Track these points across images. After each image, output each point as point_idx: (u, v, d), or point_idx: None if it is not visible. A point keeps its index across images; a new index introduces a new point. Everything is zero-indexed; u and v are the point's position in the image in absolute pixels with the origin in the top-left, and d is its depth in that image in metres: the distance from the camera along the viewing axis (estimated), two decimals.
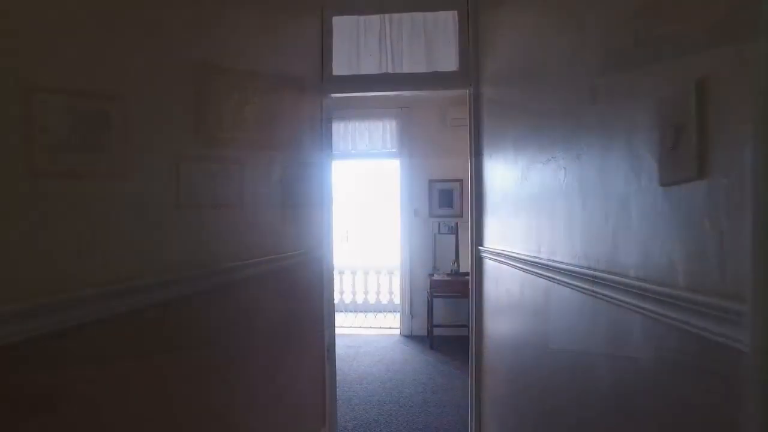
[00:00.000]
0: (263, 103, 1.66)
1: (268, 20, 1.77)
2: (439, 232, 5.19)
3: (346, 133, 5.21)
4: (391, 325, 5.63)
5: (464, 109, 2.46)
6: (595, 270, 0.93)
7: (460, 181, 4.95)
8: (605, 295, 0.88)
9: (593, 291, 0.93)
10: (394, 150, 5.25)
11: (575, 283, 1.03)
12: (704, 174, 0.57)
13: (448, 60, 2.40)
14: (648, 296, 0.70)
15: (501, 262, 1.83)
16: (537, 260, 1.32)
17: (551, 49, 1.30)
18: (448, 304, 4.89)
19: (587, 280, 0.96)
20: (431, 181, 5.19)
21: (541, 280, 1.29)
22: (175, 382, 1.07)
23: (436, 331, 4.73)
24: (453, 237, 5.10)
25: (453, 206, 5.14)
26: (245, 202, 1.47)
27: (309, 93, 2.25)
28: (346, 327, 5.48)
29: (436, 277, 4.78)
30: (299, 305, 2.08)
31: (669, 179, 0.63)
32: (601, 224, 0.92)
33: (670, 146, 0.60)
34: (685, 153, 0.58)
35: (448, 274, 4.80)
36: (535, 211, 1.41)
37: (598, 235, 0.94)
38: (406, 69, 2.43)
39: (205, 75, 1.23)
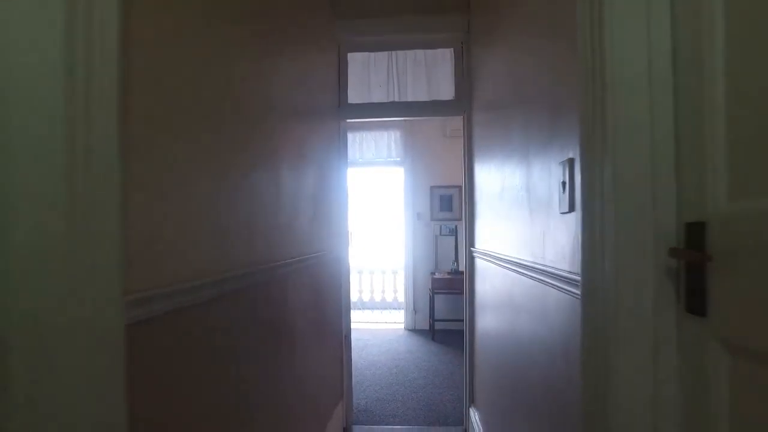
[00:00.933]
0: (297, 128, 2.08)
1: (303, 58, 2.20)
2: (441, 234, 5.63)
3: (354, 142, 5.65)
4: (396, 320, 6.07)
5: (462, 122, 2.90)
6: (533, 262, 1.36)
7: (459, 187, 5.38)
8: (537, 278, 1.31)
9: (532, 276, 1.36)
10: (398, 158, 5.69)
11: (527, 273, 1.46)
12: (572, 209, 1.01)
13: (446, 90, 2.84)
14: (556, 276, 1.12)
15: (487, 260, 2.26)
16: (508, 257, 1.75)
17: (509, 86, 1.74)
18: (448, 300, 5.32)
19: (530, 268, 1.38)
20: (432, 187, 5.63)
21: (510, 272, 1.72)
22: (259, 345, 1.49)
23: (437, 325, 5.17)
24: (452, 238, 5.53)
25: (452, 210, 5.58)
26: (288, 211, 1.90)
27: (329, 119, 2.68)
28: (355, 322, 5.91)
29: (437, 275, 5.22)
30: (324, 297, 2.51)
31: (562, 210, 1.07)
32: (537, 231, 1.35)
33: (562, 191, 1.04)
34: (565, 197, 1.02)
35: (448, 273, 5.23)
36: (507, 216, 1.84)
37: (535, 238, 1.37)
38: (410, 98, 2.87)
39: (267, 108, 1.65)
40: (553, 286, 1.16)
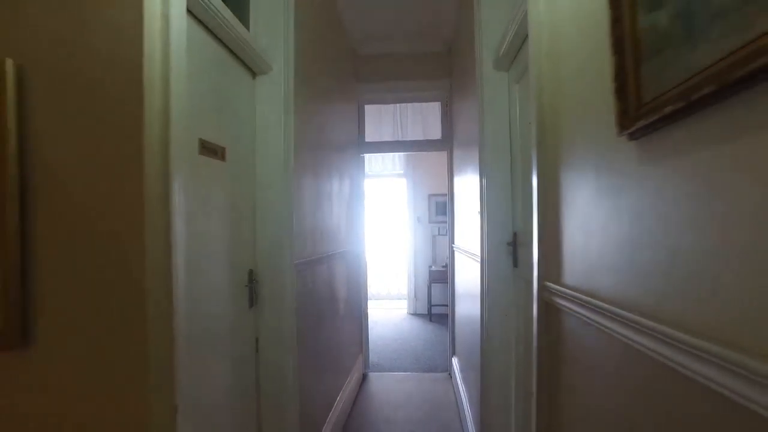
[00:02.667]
0: (336, 156, 3.18)
1: (339, 111, 3.30)
2: (439, 234, 6.73)
3: (366, 158, 6.76)
4: (400, 306, 7.19)
5: None
6: (469, 249, 2.46)
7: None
8: (473, 260, 2.40)
9: (473, 259, 2.46)
10: (401, 171, 6.80)
11: (470, 257, 2.55)
12: (482, 216, 2.12)
13: (435, 131, 3.94)
14: (473, 255, 2.21)
15: (458, 251, 3.36)
16: (464, 248, 2.84)
17: (468, 131, 2.83)
18: (442, 288, 6.43)
19: (470, 254, 2.48)
20: (430, 195, 6.73)
21: (466, 258, 2.82)
22: (325, 302, 2.58)
23: (434, 309, 6.27)
24: (446, 238, 6.65)
25: (446, 214, 6.68)
26: (335, 217, 2.99)
27: (353, 150, 3.78)
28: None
29: (433, 268, 6.32)
30: (351, 279, 3.61)
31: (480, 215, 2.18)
32: (474, 230, 2.45)
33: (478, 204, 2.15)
34: (477, 208, 2.13)
35: (442, 267, 6.33)
36: (470, 217, 2.93)
37: (473, 233, 2.47)
38: (410, 137, 3.98)
39: (325, 144, 2.74)
40: (475, 260, 2.27)
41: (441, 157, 6.61)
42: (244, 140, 1.67)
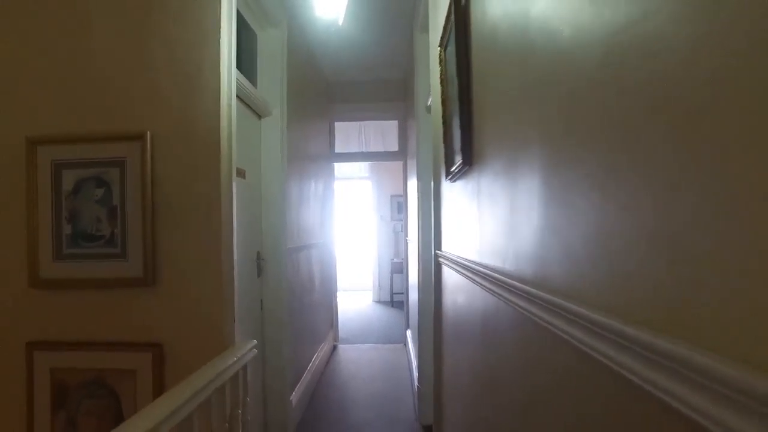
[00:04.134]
0: (312, 165, 3.95)
1: (315, 126, 4.08)
2: (401, 230, 7.59)
3: None
4: (366, 296, 8.01)
5: None
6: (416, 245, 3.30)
7: None
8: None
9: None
10: (366, 175, 7.62)
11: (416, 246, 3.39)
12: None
13: (393, 144, 4.78)
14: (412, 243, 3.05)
15: (411, 243, 4.20)
16: (409, 239, 3.68)
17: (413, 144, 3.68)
18: (402, 278, 7.29)
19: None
20: (392, 196, 7.59)
21: (414, 249, 3.66)
22: (306, 281, 3.35)
23: (395, 297, 7.13)
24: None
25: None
26: (312, 213, 3.76)
27: (326, 161, 4.57)
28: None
29: (395, 260, 7.18)
30: (325, 266, 4.40)
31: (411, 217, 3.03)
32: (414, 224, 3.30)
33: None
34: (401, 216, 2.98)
35: (402, 259, 7.20)
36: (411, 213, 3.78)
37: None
38: (372, 149, 4.80)
39: (305, 155, 3.51)
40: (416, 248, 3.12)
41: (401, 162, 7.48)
42: (255, 162, 2.46)
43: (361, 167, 7.62)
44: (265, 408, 2.56)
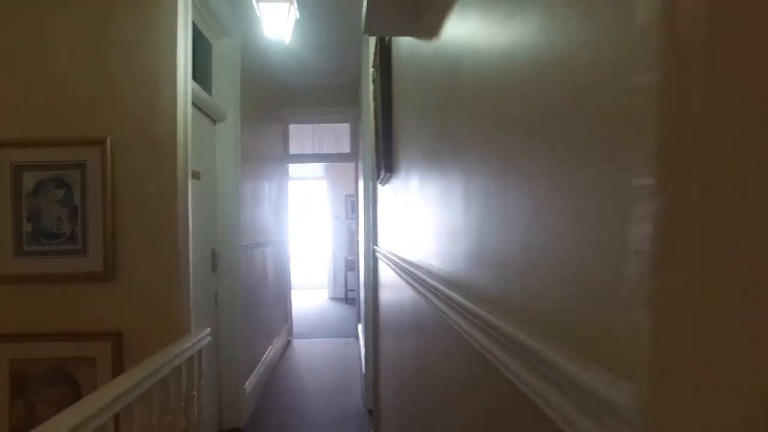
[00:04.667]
0: (267, 166, 4.10)
1: (270, 129, 4.22)
2: (353, 229, 7.81)
3: None
4: (322, 293, 8.18)
5: None
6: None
7: None
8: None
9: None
10: (322, 175, 7.80)
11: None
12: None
13: (346, 146, 5.00)
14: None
15: (360, 241, 4.43)
16: (360, 237, 3.91)
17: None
18: (356, 275, 7.53)
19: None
20: (347, 195, 7.80)
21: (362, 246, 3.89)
22: (261, 276, 3.50)
23: (349, 293, 7.35)
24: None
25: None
26: (266, 211, 3.91)
27: (280, 162, 4.73)
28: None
29: (349, 258, 7.40)
30: (280, 262, 4.55)
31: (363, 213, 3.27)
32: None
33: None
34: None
35: (356, 256, 7.42)
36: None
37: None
38: (325, 150, 5.00)
39: (261, 156, 3.66)
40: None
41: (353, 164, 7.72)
42: (210, 165, 2.61)
43: (316, 168, 7.79)
44: (220, 395, 2.72)
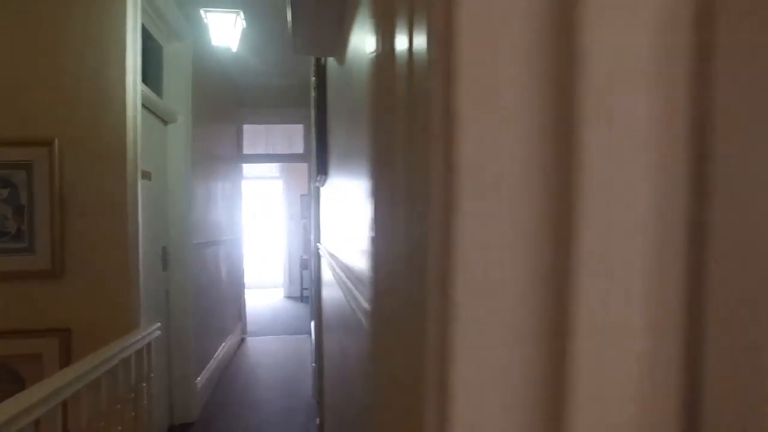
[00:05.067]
0: (221, 166, 4.14)
1: (224, 130, 4.26)
2: (310, 229, 7.88)
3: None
4: (277, 292, 8.20)
5: None
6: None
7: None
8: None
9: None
10: (277, 174, 7.82)
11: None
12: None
13: (299, 147, 5.09)
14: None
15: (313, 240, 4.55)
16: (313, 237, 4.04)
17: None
18: (310, 274, 7.62)
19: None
20: (302, 195, 7.86)
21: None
22: (216, 273, 3.54)
23: (305, 292, 7.42)
24: None
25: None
26: (220, 209, 3.95)
27: (234, 161, 4.76)
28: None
29: (304, 257, 7.47)
30: (234, 260, 4.59)
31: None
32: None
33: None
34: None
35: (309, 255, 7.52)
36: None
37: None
38: (279, 151, 5.07)
39: (213, 156, 3.70)
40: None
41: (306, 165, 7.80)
42: (161, 165, 2.66)
43: (272, 168, 7.80)
44: (171, 391, 2.77)
